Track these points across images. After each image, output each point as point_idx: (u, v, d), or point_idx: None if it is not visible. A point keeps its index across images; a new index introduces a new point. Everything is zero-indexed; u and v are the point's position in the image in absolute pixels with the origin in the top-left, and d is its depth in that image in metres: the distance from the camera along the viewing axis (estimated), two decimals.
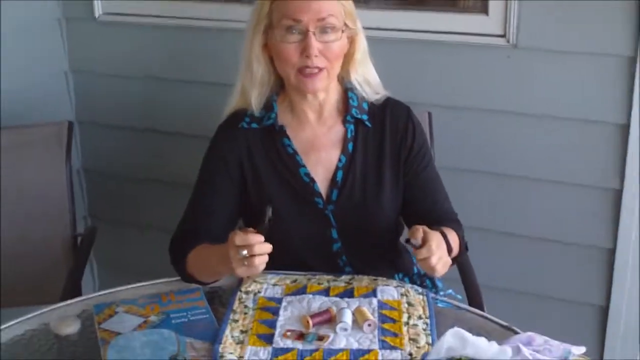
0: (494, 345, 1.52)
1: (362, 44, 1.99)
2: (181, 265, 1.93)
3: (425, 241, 1.70)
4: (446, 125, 2.51)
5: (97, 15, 2.98)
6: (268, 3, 1.92)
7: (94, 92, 3.11)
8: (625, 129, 2.37)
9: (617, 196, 2.44)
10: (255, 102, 1.99)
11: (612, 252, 2.50)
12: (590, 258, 2.54)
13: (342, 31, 1.90)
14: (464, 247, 2.01)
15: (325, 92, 1.98)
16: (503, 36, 2.44)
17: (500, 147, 2.55)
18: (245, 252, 1.67)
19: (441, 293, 1.93)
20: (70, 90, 3.13)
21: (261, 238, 1.68)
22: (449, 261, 1.76)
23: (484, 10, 2.45)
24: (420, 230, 1.72)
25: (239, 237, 1.68)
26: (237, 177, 2.01)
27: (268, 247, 1.68)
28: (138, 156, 3.12)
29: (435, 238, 1.71)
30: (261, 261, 1.68)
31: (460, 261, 2.04)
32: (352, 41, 1.97)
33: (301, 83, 1.92)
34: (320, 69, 1.89)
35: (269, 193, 2.00)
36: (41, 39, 3.00)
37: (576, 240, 2.54)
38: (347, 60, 1.99)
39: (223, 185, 2.01)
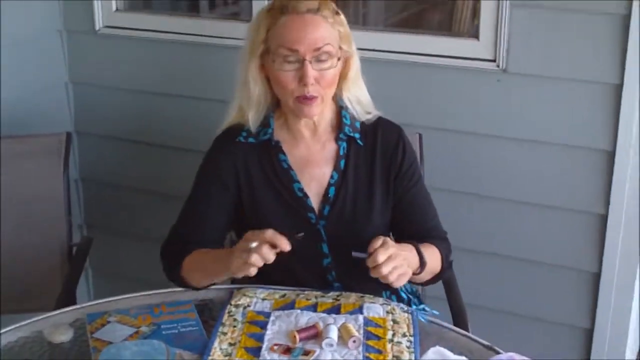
0: None
1: (355, 64, 2.03)
2: (175, 270, 1.97)
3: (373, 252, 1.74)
4: (436, 147, 2.53)
5: (97, 28, 3.01)
6: (264, 30, 1.94)
7: (93, 104, 3.14)
8: (611, 155, 2.39)
9: (603, 221, 2.46)
10: (252, 121, 2.03)
11: (597, 275, 2.52)
12: (575, 281, 2.56)
13: (339, 58, 1.94)
14: (446, 264, 2.04)
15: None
16: (493, 61, 2.47)
17: (489, 169, 2.58)
18: (255, 244, 1.72)
19: (413, 307, 1.95)
20: (70, 101, 3.16)
21: (279, 238, 1.74)
22: (408, 273, 1.79)
23: (475, 35, 2.49)
24: (379, 240, 1.76)
25: (256, 232, 1.75)
26: (232, 189, 2.05)
27: (271, 257, 1.73)
28: (134, 167, 3.15)
29: (390, 250, 1.74)
30: (257, 259, 1.72)
31: (442, 278, 2.07)
32: (346, 61, 2.01)
33: (298, 109, 1.95)
34: (315, 97, 1.93)
35: (263, 206, 2.04)
36: (42, 51, 3.03)
37: (562, 263, 2.57)
38: (340, 79, 2.02)
39: (217, 196, 2.05)
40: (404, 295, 2.14)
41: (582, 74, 2.38)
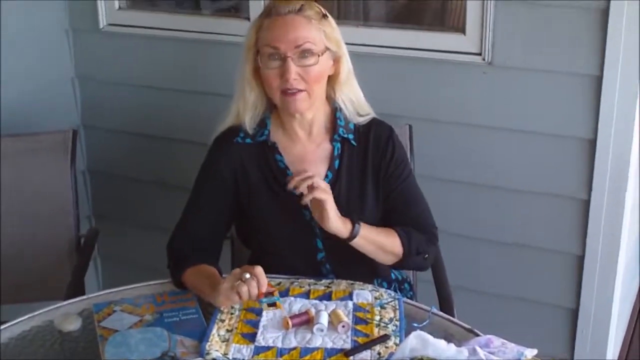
0: (452, 346, 1.65)
1: (346, 66, 2.10)
2: (177, 275, 2.04)
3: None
4: (426, 138, 2.59)
5: (101, 26, 3.07)
6: (254, 33, 2.04)
7: (98, 99, 3.20)
8: (592, 143, 2.45)
9: (585, 206, 2.52)
10: (248, 124, 2.10)
11: (582, 258, 2.58)
12: (561, 264, 2.62)
13: (320, 55, 2.00)
14: (409, 251, 2.06)
15: (312, 112, 2.08)
16: (479, 54, 2.52)
17: (476, 158, 2.63)
18: (248, 275, 1.79)
19: (390, 293, 2.01)
20: (77, 96, 3.22)
21: (263, 278, 1.80)
22: (324, 197, 1.93)
23: (462, 29, 2.54)
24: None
25: (247, 267, 1.82)
26: (231, 188, 2.12)
27: (254, 295, 1.78)
28: (140, 159, 3.21)
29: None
30: (245, 292, 1.77)
31: (410, 264, 2.14)
32: (336, 62, 2.08)
33: (284, 103, 2.03)
34: (300, 90, 2.00)
35: (260, 204, 2.11)
36: (49, 48, 3.11)
37: (548, 246, 2.62)
38: (332, 81, 2.10)
39: (217, 195, 2.12)
40: (394, 283, 2.23)
41: (564, 67, 2.43)
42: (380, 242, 2.04)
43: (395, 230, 2.07)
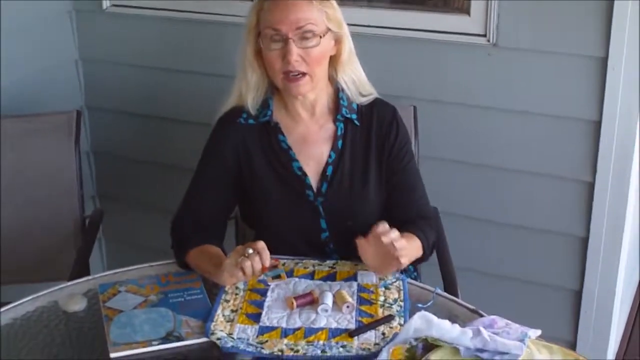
0: (456, 327, 1.64)
1: (347, 46, 2.09)
2: (181, 255, 2.04)
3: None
4: (430, 119, 2.58)
5: (105, 7, 3.07)
6: (255, 16, 2.03)
7: (102, 80, 3.20)
8: (597, 125, 2.45)
9: (590, 188, 2.52)
10: (251, 105, 2.10)
11: (585, 240, 2.58)
12: (565, 245, 2.63)
13: (321, 36, 1.99)
14: (428, 251, 2.08)
15: (315, 93, 2.08)
16: (484, 35, 2.51)
17: (481, 139, 2.63)
18: (251, 250, 1.80)
19: (394, 274, 1.99)
20: (80, 78, 3.22)
21: (266, 252, 1.81)
22: (410, 255, 1.89)
23: (466, 11, 2.53)
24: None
25: (249, 243, 1.83)
26: (234, 169, 2.12)
27: (257, 269, 1.80)
28: (144, 140, 3.22)
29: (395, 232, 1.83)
30: (248, 266, 1.79)
31: (424, 261, 2.12)
32: (338, 43, 2.08)
33: (287, 87, 2.03)
34: (303, 74, 2.00)
35: (263, 185, 2.11)
36: (53, 30, 3.10)
37: (552, 228, 2.63)
38: (334, 61, 2.09)
39: (220, 176, 2.13)
40: None
41: (569, 48, 2.42)
42: (414, 257, 2.00)
43: (412, 232, 2.03)
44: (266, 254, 1.81)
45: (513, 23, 2.47)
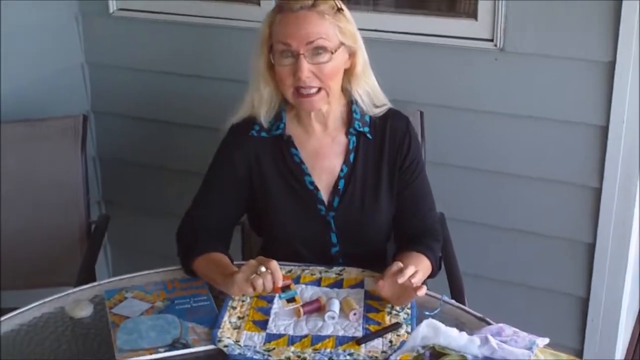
0: (464, 335, 1.64)
1: (361, 59, 2.06)
2: (188, 262, 2.03)
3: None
4: (437, 124, 2.58)
5: (111, 11, 3.06)
6: (267, 27, 2.01)
7: (108, 84, 3.19)
8: (604, 130, 2.44)
9: (597, 194, 2.51)
10: (264, 118, 2.08)
11: (592, 246, 2.57)
12: (571, 251, 2.62)
13: (333, 52, 1.96)
14: (436, 267, 2.12)
15: (328, 105, 2.06)
16: (491, 40, 2.50)
17: (488, 144, 2.62)
18: (264, 268, 1.81)
19: None
20: (87, 82, 3.21)
21: (279, 272, 1.83)
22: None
23: (473, 15, 2.52)
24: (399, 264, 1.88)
25: (263, 258, 1.84)
26: (244, 179, 2.11)
27: (269, 288, 1.81)
28: (150, 145, 3.21)
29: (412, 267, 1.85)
30: (259, 285, 1.80)
31: (432, 277, 2.14)
32: (352, 56, 2.04)
33: (298, 103, 2.01)
34: (318, 89, 1.97)
35: (274, 198, 2.10)
36: (59, 34, 3.09)
37: (559, 234, 2.62)
38: (348, 74, 2.06)
39: (230, 184, 2.11)
40: None
41: (576, 53, 2.41)
42: (425, 277, 2.03)
43: (421, 252, 2.05)
44: (279, 274, 1.82)
45: (520, 28, 2.47)
